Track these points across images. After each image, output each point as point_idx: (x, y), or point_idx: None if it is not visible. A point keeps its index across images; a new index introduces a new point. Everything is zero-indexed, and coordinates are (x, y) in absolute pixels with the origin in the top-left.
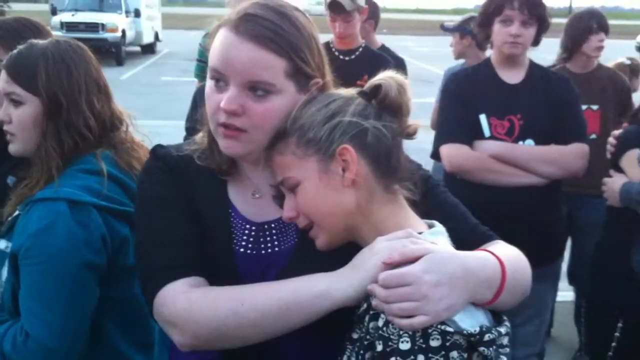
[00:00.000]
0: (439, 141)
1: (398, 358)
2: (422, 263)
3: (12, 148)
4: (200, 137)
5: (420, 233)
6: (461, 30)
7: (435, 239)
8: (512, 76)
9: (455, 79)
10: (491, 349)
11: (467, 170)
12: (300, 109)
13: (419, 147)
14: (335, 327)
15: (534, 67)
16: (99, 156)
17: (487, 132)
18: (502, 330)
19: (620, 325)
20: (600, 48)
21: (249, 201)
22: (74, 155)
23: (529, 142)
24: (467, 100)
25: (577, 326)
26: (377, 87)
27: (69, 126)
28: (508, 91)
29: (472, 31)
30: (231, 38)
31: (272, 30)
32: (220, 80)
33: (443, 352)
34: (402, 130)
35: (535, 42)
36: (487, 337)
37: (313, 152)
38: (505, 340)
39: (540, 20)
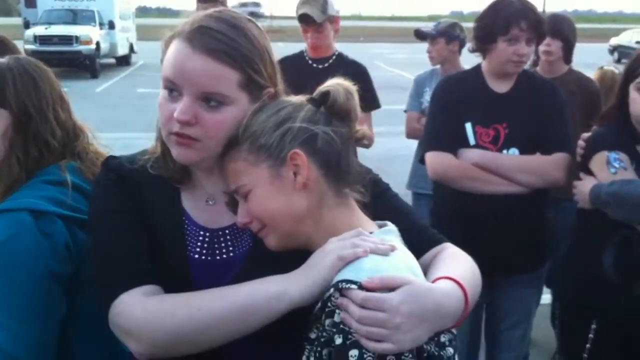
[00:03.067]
0: (424, 148)
1: (356, 350)
2: (400, 294)
3: None
4: (153, 146)
5: (370, 233)
6: (448, 35)
7: (386, 237)
8: (501, 85)
9: (443, 86)
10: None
11: (449, 178)
12: (251, 117)
13: (391, 155)
14: (290, 329)
15: (523, 75)
16: (63, 167)
17: (472, 141)
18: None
19: (593, 326)
20: (545, 52)
21: (203, 208)
22: (38, 166)
23: (514, 151)
24: (454, 108)
25: (554, 328)
26: (326, 94)
27: (36, 137)
28: (495, 100)
29: (460, 36)
30: (185, 50)
31: (225, 44)
32: (174, 90)
33: None
34: (351, 135)
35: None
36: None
37: (265, 158)
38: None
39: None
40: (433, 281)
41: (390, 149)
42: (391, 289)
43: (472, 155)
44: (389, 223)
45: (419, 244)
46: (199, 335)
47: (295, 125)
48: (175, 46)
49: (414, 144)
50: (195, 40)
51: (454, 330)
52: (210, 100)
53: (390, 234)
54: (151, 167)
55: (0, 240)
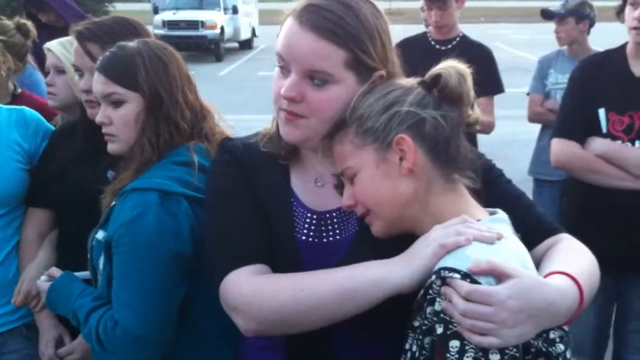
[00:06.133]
0: (552, 134)
1: (457, 341)
2: (508, 287)
3: (112, 147)
4: (267, 126)
5: (478, 220)
6: (578, 14)
7: (494, 225)
8: None
9: (581, 67)
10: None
11: (570, 168)
12: (359, 99)
13: (511, 139)
14: (396, 317)
15: None
16: (192, 148)
17: (604, 128)
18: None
19: None
20: None
21: (311, 189)
22: (168, 147)
23: None
24: (589, 92)
25: None
26: (437, 77)
27: (167, 119)
28: (634, 84)
29: (590, 15)
30: (294, 27)
31: (332, 22)
32: (284, 67)
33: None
34: (462, 119)
35: None
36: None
37: (371, 142)
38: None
39: None
40: (546, 275)
41: (510, 132)
42: (499, 279)
43: (597, 145)
44: (499, 211)
45: (533, 233)
46: (301, 316)
47: (403, 109)
48: (286, 24)
49: (535, 128)
50: (303, 17)
51: (565, 327)
52: (315, 78)
53: (500, 222)
54: (264, 145)
55: (128, 218)
